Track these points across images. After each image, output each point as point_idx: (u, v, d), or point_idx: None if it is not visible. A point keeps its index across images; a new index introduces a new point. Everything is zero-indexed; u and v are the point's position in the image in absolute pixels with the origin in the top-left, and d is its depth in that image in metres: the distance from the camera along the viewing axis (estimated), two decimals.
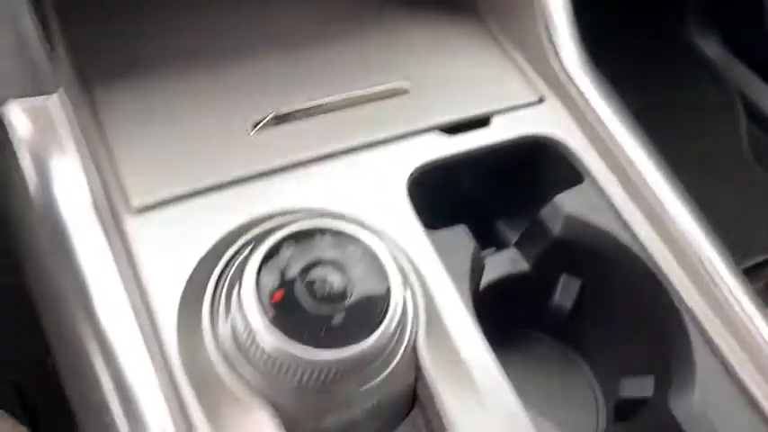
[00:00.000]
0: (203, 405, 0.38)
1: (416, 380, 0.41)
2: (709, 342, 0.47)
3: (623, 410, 0.52)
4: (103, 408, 0.38)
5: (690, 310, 0.48)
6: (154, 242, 0.42)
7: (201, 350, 0.39)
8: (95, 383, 0.38)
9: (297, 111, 0.49)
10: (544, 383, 0.54)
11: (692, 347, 0.47)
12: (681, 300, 0.48)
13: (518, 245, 0.55)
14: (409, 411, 0.42)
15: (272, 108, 0.49)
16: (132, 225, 0.43)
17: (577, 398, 0.55)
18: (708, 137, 1.15)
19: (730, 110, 1.20)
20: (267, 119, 0.48)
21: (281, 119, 0.49)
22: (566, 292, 0.55)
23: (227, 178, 0.46)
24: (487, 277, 0.53)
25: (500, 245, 0.57)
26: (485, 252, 0.53)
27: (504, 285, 0.54)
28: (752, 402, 0.45)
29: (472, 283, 0.48)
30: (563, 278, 0.55)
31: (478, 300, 0.47)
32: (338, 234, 0.40)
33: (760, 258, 0.99)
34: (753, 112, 1.16)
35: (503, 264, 0.55)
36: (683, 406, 0.46)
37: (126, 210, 0.43)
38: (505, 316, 0.49)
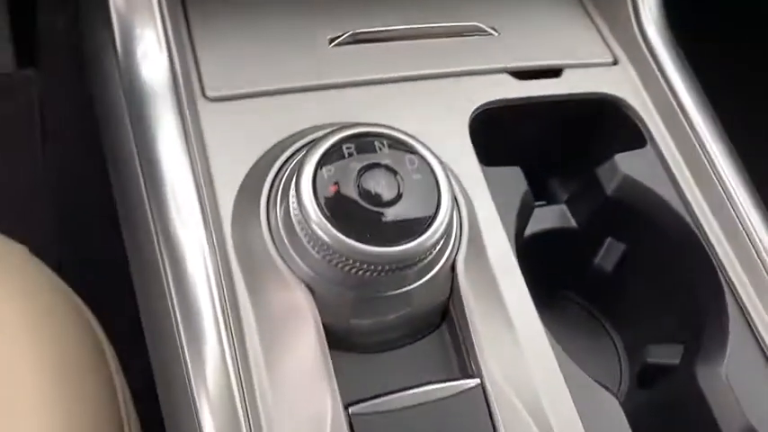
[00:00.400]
0: (248, 282, 0.40)
1: (449, 298, 0.43)
2: (746, 318, 0.47)
3: (647, 377, 0.53)
4: (156, 264, 0.40)
5: (733, 286, 0.48)
6: (223, 129, 0.45)
7: (254, 232, 0.41)
8: (150, 237, 0.41)
9: (376, 32, 0.50)
10: (569, 343, 0.55)
11: (729, 322, 0.47)
12: (725, 274, 0.48)
13: (569, 202, 0.56)
14: (438, 326, 0.43)
15: (353, 27, 0.50)
16: (205, 110, 0.45)
17: (601, 360, 0.56)
18: None
19: None
20: (345, 36, 0.50)
21: (359, 38, 0.50)
22: (608, 255, 0.56)
23: (300, 84, 0.48)
24: (533, 228, 0.54)
25: (550, 201, 0.58)
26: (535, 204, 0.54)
27: (548, 239, 0.55)
28: None
29: (518, 223, 0.49)
30: (608, 241, 0.55)
31: (520, 247, 0.48)
32: (398, 143, 0.41)
33: None
34: None
35: (551, 217, 0.55)
36: (710, 376, 0.46)
37: (201, 96, 0.45)
38: (542, 270, 0.50)
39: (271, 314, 0.39)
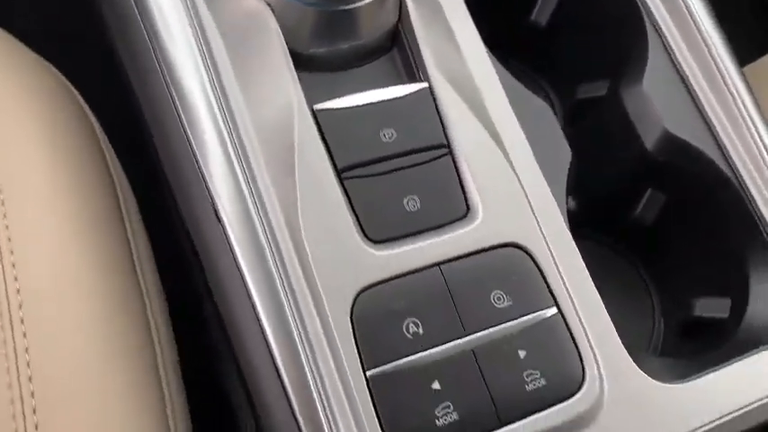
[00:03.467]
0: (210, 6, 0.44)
1: (398, 21, 0.47)
2: (664, 42, 0.53)
3: (579, 112, 0.59)
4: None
5: (651, 16, 0.53)
6: None
7: None
8: None
9: None
10: None
11: (648, 45, 0.53)
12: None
13: None
14: (390, 49, 0.48)
15: None
16: None
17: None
18: None
19: None
20: None
21: None
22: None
23: None
24: None
25: None
26: None
27: None
28: (690, 91, 0.51)
29: None
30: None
31: None
32: None
33: None
34: None
35: None
36: (632, 93, 0.52)
37: None
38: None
39: (233, 26, 0.43)
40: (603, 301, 0.45)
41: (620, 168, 0.55)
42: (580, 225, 0.59)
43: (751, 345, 0.47)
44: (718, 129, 0.52)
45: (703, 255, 0.54)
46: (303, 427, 0.37)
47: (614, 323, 0.46)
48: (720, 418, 0.41)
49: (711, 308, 0.53)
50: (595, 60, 0.58)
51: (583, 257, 0.45)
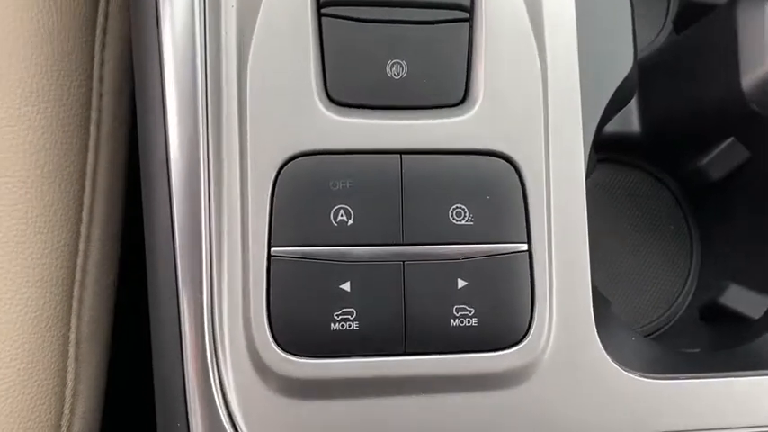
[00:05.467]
0: None
1: None
2: None
3: (685, 18, 0.47)
4: None
5: None
6: None
7: None
8: None
9: None
10: None
11: None
12: None
13: None
14: None
15: None
16: None
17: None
18: None
19: None
20: None
21: None
22: None
23: None
24: None
25: None
26: None
27: None
28: None
29: None
30: None
31: None
32: None
33: None
34: None
35: None
36: (750, 11, 0.40)
37: None
38: None
39: None
40: (640, 248, 0.36)
41: (703, 102, 0.43)
42: (644, 155, 0.50)
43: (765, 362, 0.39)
44: None
45: (760, 235, 0.44)
46: (181, 290, 0.32)
47: (641, 270, 0.38)
48: None
49: (742, 301, 0.44)
50: None
51: (630, 189, 0.36)
